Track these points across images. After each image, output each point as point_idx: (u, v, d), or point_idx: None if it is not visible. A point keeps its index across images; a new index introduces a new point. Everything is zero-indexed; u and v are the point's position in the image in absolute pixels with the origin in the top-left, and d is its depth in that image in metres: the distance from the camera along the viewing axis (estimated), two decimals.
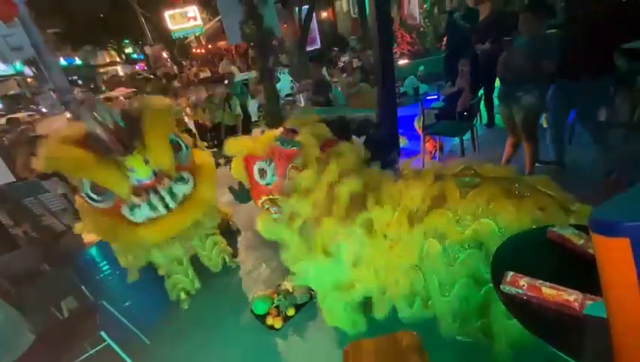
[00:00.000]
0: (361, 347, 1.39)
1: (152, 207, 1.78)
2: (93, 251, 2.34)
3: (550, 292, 0.99)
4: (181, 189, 1.85)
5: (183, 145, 1.89)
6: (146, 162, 1.72)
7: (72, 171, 1.67)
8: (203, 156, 2.12)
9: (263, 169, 1.86)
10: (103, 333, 1.98)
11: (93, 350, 2.13)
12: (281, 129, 1.96)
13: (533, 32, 2.50)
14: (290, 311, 2.29)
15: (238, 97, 4.91)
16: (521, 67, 2.54)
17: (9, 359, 1.54)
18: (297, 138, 1.84)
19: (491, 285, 1.20)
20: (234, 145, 1.96)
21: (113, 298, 2.34)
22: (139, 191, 1.73)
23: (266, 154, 1.87)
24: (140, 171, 1.71)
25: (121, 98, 6.67)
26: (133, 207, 1.76)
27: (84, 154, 1.60)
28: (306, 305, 2.32)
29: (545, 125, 3.77)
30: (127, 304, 2.43)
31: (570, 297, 0.96)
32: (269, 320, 2.28)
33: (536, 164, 2.94)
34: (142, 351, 2.30)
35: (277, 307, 2.33)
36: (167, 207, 1.82)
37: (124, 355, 2.04)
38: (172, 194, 1.83)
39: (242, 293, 2.51)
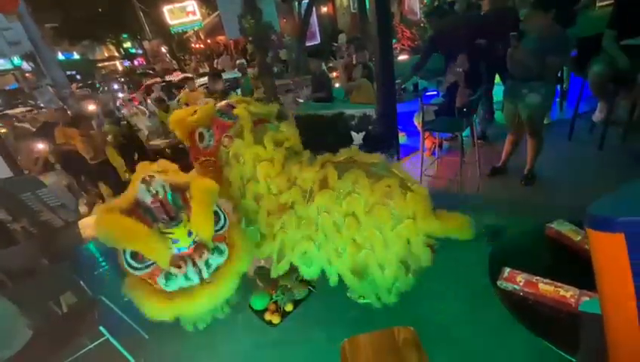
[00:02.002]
0: (357, 342, 1.39)
1: (187, 278, 1.78)
2: (92, 246, 2.34)
3: (547, 288, 0.99)
4: (216, 261, 1.86)
5: (222, 215, 1.90)
6: (189, 234, 1.76)
7: (121, 241, 1.66)
8: (239, 229, 2.12)
9: (202, 134, 2.08)
10: (102, 328, 1.99)
11: (93, 344, 2.14)
12: (223, 103, 2.22)
13: (540, 26, 2.46)
14: (289, 307, 2.30)
15: (246, 88, 4.88)
16: (528, 62, 2.51)
17: (7, 354, 1.54)
18: (234, 112, 2.10)
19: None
20: (178, 115, 2.17)
21: (112, 293, 2.34)
22: (177, 261, 1.75)
23: (205, 123, 2.08)
24: (182, 241, 1.74)
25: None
26: (169, 277, 1.75)
27: (133, 225, 1.63)
28: (305, 301, 2.32)
29: (545, 122, 3.77)
30: (126, 299, 2.43)
31: (567, 293, 0.96)
32: (268, 316, 2.28)
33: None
34: (140, 346, 2.30)
35: (275, 302, 2.34)
36: (201, 277, 1.82)
37: (122, 350, 2.05)
38: (207, 265, 1.84)
39: (240, 288, 2.51)
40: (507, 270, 1.09)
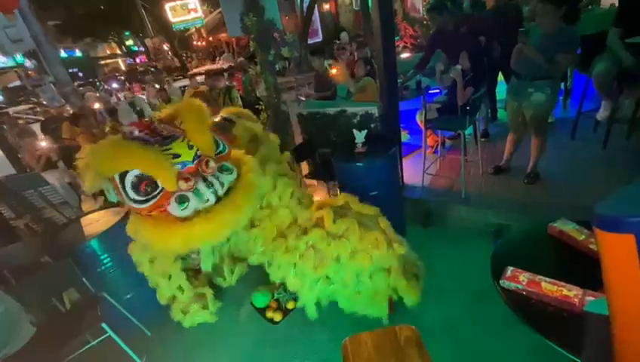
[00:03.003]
0: (359, 340, 1.39)
1: (200, 196, 1.58)
2: (94, 243, 2.35)
3: (550, 287, 0.98)
4: (227, 178, 1.70)
5: (220, 142, 1.81)
6: (190, 147, 1.61)
7: (116, 163, 1.49)
8: (241, 153, 2.00)
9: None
10: (104, 325, 2.00)
11: (95, 341, 2.15)
12: (218, 116, 2.25)
13: (549, 23, 2.41)
14: (290, 305, 2.30)
15: (249, 84, 4.87)
16: (536, 60, 2.46)
17: (10, 351, 1.55)
18: (233, 127, 2.20)
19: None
20: None
21: (114, 290, 2.36)
22: (186, 175, 1.55)
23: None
24: (184, 155, 1.57)
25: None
26: (182, 199, 1.54)
27: (127, 144, 1.49)
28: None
29: (549, 120, 3.74)
30: (128, 296, 2.44)
31: (570, 293, 0.95)
32: (269, 313, 2.29)
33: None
34: (143, 343, 2.32)
35: (277, 300, 2.35)
36: (215, 193, 1.63)
37: (125, 347, 2.06)
38: (219, 182, 1.66)
39: (243, 286, 2.52)
40: (510, 269, 1.08)
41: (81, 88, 13.20)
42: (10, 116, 5.56)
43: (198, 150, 1.62)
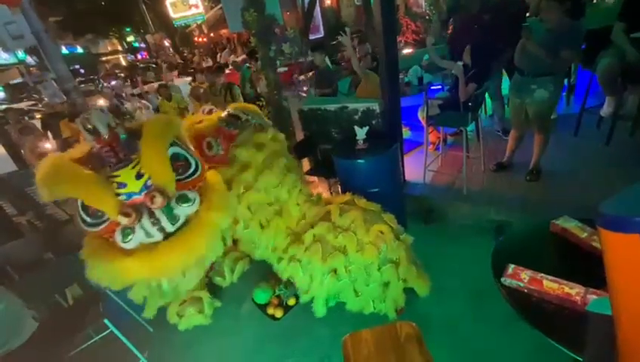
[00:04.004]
0: (360, 337, 1.39)
1: (147, 232, 1.46)
2: None
3: (552, 285, 0.98)
4: (184, 211, 1.53)
5: (192, 160, 1.65)
6: (139, 176, 1.47)
7: (58, 186, 1.38)
8: (215, 175, 1.85)
9: (210, 143, 2.08)
10: (106, 321, 2.01)
11: (98, 337, 2.17)
12: (225, 112, 2.27)
13: (554, 18, 2.37)
14: (291, 301, 2.31)
15: (247, 79, 4.85)
16: (540, 56, 2.43)
17: (12, 346, 1.56)
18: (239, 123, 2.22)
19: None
20: (185, 122, 2.12)
21: None
22: (127, 209, 1.42)
23: (211, 132, 2.10)
24: (130, 185, 1.45)
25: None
26: (126, 232, 1.44)
27: (72, 168, 1.40)
28: None
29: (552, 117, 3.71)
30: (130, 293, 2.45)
31: (572, 291, 0.95)
32: (270, 310, 2.30)
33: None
34: (145, 339, 2.33)
35: (278, 296, 2.35)
36: (162, 230, 1.49)
37: (127, 342, 2.07)
38: (172, 216, 1.51)
39: (244, 282, 2.52)
40: (511, 267, 1.08)
41: (82, 85, 13.20)
42: (14, 112, 5.55)
43: (149, 179, 1.47)
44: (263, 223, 2.17)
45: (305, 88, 4.94)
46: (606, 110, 3.23)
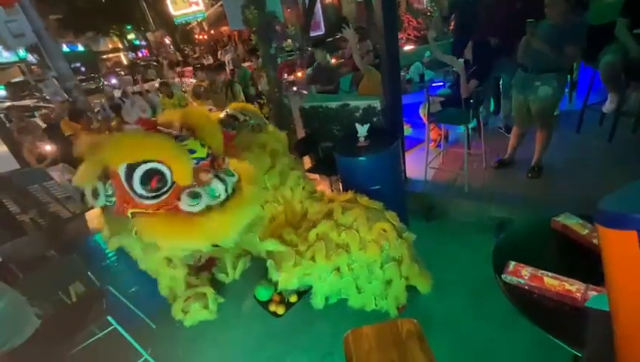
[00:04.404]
0: (361, 333, 1.40)
1: (212, 192, 1.59)
2: (99, 238, 2.37)
3: (552, 282, 0.98)
4: (232, 180, 1.71)
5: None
6: (202, 145, 1.64)
7: (140, 151, 1.45)
8: (238, 162, 2.01)
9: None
10: (109, 318, 2.02)
11: (102, 333, 2.18)
12: (223, 113, 2.31)
13: (559, 13, 2.36)
14: (293, 298, 2.32)
15: (245, 78, 4.85)
16: (545, 53, 2.41)
17: (15, 343, 1.58)
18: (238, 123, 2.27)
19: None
20: None
21: (119, 283, 2.39)
22: (208, 168, 1.59)
23: None
24: (199, 151, 1.60)
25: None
26: (195, 195, 1.54)
27: (150, 135, 1.50)
28: (309, 292, 2.34)
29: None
30: (133, 289, 2.47)
31: (573, 287, 0.95)
32: (272, 307, 2.31)
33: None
34: (148, 335, 2.35)
35: (280, 293, 2.36)
36: (226, 191, 1.64)
37: (130, 339, 2.09)
38: (226, 183, 1.68)
39: (246, 280, 2.54)
40: (512, 264, 1.08)
41: (83, 84, 13.21)
42: (16, 110, 5.57)
43: (209, 148, 1.65)
44: (270, 221, 2.21)
45: (294, 89, 4.91)
46: (608, 107, 3.22)
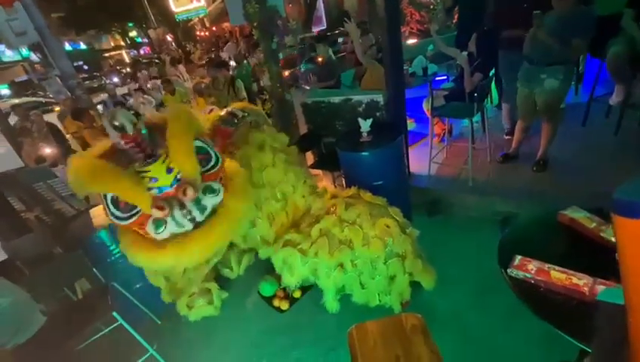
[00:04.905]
0: (365, 328, 1.40)
1: (178, 223, 1.54)
2: (103, 234, 2.39)
3: (559, 276, 0.97)
4: (210, 201, 1.60)
5: (212, 153, 1.70)
6: (169, 171, 1.52)
7: (91, 184, 1.45)
8: (234, 165, 1.92)
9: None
10: (115, 314, 2.04)
11: (107, 329, 2.20)
12: (224, 111, 2.27)
13: (565, 5, 2.31)
14: (297, 294, 2.32)
15: (243, 79, 4.84)
16: (552, 45, 2.38)
17: (20, 339, 1.59)
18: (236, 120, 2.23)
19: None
20: None
21: (124, 280, 2.40)
22: (161, 203, 1.49)
23: (209, 132, 2.12)
24: (161, 179, 1.51)
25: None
26: (158, 224, 1.52)
27: (103, 165, 1.44)
28: (312, 288, 2.35)
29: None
30: (138, 286, 2.49)
31: (580, 281, 0.94)
32: (276, 302, 2.32)
33: None
34: (153, 331, 2.37)
35: (284, 289, 2.36)
36: (193, 220, 1.57)
37: (136, 335, 2.10)
38: (200, 207, 1.58)
39: (250, 275, 2.55)
40: (518, 258, 1.07)
41: (86, 82, 13.23)
42: (21, 108, 5.59)
43: (178, 173, 1.53)
44: (270, 219, 2.20)
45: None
46: (615, 99, 3.17)
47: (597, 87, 3.28)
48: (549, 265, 1.01)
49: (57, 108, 7.52)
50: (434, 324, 1.37)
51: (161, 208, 1.46)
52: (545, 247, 1.16)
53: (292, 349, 2.08)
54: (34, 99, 9.63)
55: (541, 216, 1.32)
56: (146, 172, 1.49)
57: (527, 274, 1.02)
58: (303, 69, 4.35)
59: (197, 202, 1.56)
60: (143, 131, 1.54)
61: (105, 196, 1.53)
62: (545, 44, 2.41)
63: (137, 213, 1.52)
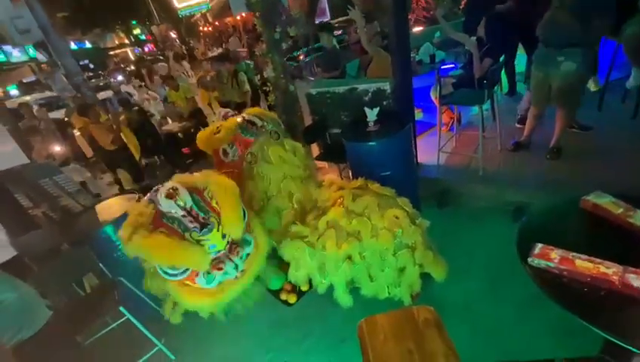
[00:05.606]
0: (375, 322, 1.35)
1: (226, 273, 1.78)
2: (109, 229, 2.37)
3: (586, 265, 0.90)
4: (247, 251, 1.86)
5: (243, 209, 1.88)
6: (223, 237, 1.73)
7: (159, 259, 1.64)
8: (254, 216, 2.11)
9: (225, 150, 2.22)
10: (122, 308, 2.03)
11: (115, 324, 2.20)
12: (241, 117, 2.27)
13: None
14: (305, 287, 2.29)
15: (246, 72, 4.78)
16: (571, 26, 2.27)
17: (25, 335, 1.59)
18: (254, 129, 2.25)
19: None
20: (204, 134, 2.27)
21: (132, 275, 2.38)
22: (218, 264, 1.74)
23: (228, 140, 2.19)
24: (219, 245, 1.73)
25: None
26: (209, 278, 1.74)
27: (168, 242, 1.58)
28: None
29: (593, 89, 3.48)
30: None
31: (609, 270, 0.87)
32: (284, 295, 2.29)
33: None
34: (161, 326, 2.35)
35: (291, 282, 2.32)
36: (237, 268, 1.82)
37: (144, 329, 2.10)
38: (240, 257, 1.83)
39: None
40: (539, 246, 1.00)
41: (92, 80, 13.31)
42: (29, 107, 5.63)
43: (230, 238, 1.76)
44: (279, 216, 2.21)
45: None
46: (632, 82, 3.03)
47: (613, 70, 3.15)
48: (574, 254, 0.94)
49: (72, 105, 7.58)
50: (445, 316, 1.32)
51: (219, 269, 1.72)
52: (567, 235, 1.10)
53: (301, 342, 2.05)
54: (48, 94, 9.67)
55: (561, 203, 1.24)
56: (206, 240, 1.67)
57: (550, 263, 0.95)
58: (306, 60, 4.27)
59: (239, 256, 1.81)
60: (194, 207, 1.69)
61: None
62: (563, 24, 2.30)
63: (187, 270, 1.69)
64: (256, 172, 2.21)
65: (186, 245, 1.61)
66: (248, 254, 1.88)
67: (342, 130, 2.88)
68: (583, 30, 2.24)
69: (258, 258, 1.95)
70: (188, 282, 1.75)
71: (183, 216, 1.66)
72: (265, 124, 2.27)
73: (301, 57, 5.70)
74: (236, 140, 2.20)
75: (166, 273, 1.69)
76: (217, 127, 2.22)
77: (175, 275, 1.70)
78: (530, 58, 3.32)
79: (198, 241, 1.66)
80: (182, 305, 1.85)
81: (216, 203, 1.73)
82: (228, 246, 1.77)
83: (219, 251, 1.74)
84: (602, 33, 2.51)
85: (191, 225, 1.66)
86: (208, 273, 1.72)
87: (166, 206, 1.64)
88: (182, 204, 1.66)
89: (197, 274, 1.72)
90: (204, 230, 1.67)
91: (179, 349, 2.22)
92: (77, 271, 2.34)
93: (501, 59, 3.13)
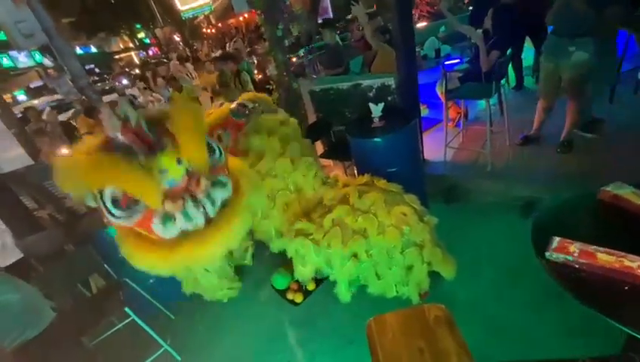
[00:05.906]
0: (384, 320, 1.30)
1: (188, 218, 1.41)
2: (113, 231, 2.35)
3: (607, 258, 0.85)
4: (220, 195, 1.49)
5: (215, 146, 1.56)
6: (179, 162, 1.39)
7: (94, 180, 1.29)
8: (239, 162, 1.81)
9: (220, 135, 2.08)
10: (127, 309, 2.01)
11: (121, 324, 2.19)
12: (234, 103, 2.20)
13: None
14: (311, 286, 2.26)
15: (248, 72, 4.77)
16: (584, 14, 2.21)
17: (29, 336, 1.57)
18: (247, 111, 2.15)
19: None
20: None
21: (137, 275, 2.37)
22: (171, 197, 1.37)
23: (219, 124, 2.08)
24: (172, 171, 1.37)
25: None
26: (166, 219, 1.38)
27: (106, 158, 1.27)
28: (327, 280, 2.27)
29: None
30: (151, 281, 2.46)
31: (634, 263, 0.82)
32: (290, 295, 2.26)
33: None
34: (166, 326, 2.35)
35: (297, 281, 2.29)
36: (205, 215, 1.45)
37: (149, 330, 2.08)
38: (211, 200, 1.47)
39: (262, 268, 2.49)
40: (557, 239, 0.95)
41: (98, 84, 13.42)
42: (35, 111, 5.68)
43: (189, 165, 1.41)
44: (284, 211, 2.12)
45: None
46: None
47: (624, 61, 3.07)
48: (595, 247, 0.89)
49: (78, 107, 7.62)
50: (455, 315, 1.27)
51: (174, 200, 1.34)
52: (584, 228, 1.04)
53: (308, 342, 2.02)
54: (57, 96, 9.75)
55: (576, 196, 1.19)
56: (154, 164, 1.32)
57: (569, 257, 0.91)
58: (309, 57, 4.24)
59: (207, 196, 1.44)
60: (144, 124, 1.37)
61: (102, 194, 1.33)
62: (575, 13, 2.23)
63: (140, 210, 1.35)
64: (251, 149, 2.03)
65: (124, 162, 1.27)
66: (224, 201, 1.52)
67: (346, 126, 2.84)
68: (597, 18, 2.17)
69: (239, 207, 1.55)
70: (141, 230, 1.42)
71: (132, 140, 1.33)
72: (256, 106, 2.21)
73: (302, 55, 5.68)
74: (228, 125, 2.11)
75: (113, 215, 1.34)
76: (210, 112, 2.15)
77: (123, 217, 1.35)
78: (538, 51, 3.26)
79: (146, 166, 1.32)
80: (131, 260, 1.49)
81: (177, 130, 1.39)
82: (187, 177, 1.40)
83: (173, 183, 1.38)
84: (616, 20, 2.43)
85: (139, 148, 1.34)
86: (165, 216, 1.38)
87: (107, 120, 1.30)
88: (121, 115, 1.31)
89: (152, 219, 1.37)
90: (153, 149, 1.35)
91: (185, 350, 2.20)
92: (82, 272, 2.33)
93: (508, 52, 3.06)
